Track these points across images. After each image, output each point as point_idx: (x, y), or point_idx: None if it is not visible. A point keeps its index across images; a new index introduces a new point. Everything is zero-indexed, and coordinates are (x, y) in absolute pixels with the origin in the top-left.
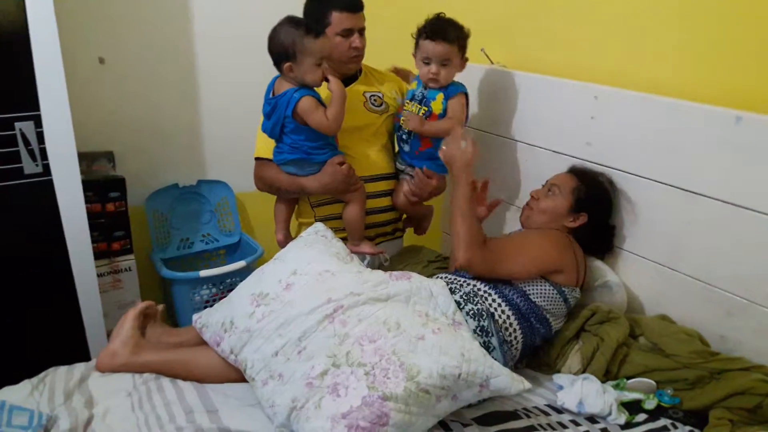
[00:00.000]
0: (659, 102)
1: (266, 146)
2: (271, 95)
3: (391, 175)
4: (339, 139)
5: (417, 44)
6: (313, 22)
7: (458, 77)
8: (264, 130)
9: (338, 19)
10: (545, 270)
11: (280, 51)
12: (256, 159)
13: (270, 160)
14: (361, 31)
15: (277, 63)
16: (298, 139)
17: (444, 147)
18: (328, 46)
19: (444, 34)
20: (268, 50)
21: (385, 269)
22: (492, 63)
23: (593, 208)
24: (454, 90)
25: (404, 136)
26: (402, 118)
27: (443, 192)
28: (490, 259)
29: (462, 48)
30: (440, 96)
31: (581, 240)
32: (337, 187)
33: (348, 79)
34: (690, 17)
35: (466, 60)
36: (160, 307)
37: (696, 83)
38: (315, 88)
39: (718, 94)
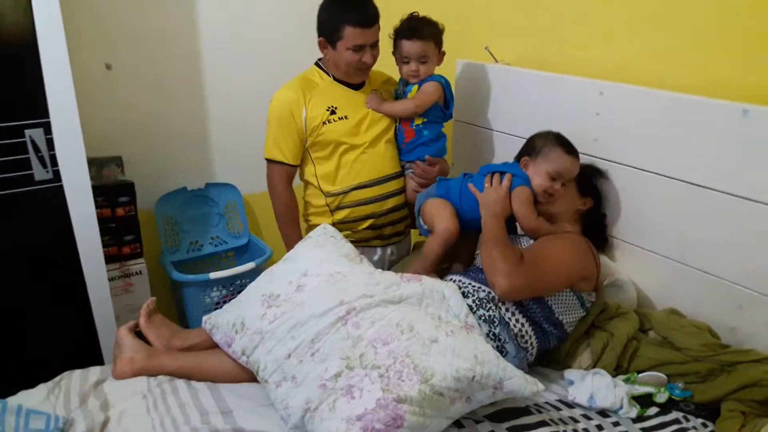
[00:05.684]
0: (665, 96)
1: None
2: None
3: (399, 173)
4: (354, 146)
5: (395, 45)
6: (326, 32)
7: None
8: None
9: (351, 34)
10: (576, 280)
11: (529, 147)
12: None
13: None
14: (374, 45)
15: (521, 154)
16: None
17: (480, 193)
18: (570, 167)
19: (420, 32)
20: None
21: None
22: (496, 61)
23: (595, 193)
24: (427, 80)
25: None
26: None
27: (447, 173)
28: (531, 279)
29: (438, 43)
30: (415, 88)
31: (591, 228)
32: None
33: (354, 86)
34: (694, 10)
35: (443, 54)
36: (153, 300)
37: (702, 77)
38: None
39: (725, 88)
